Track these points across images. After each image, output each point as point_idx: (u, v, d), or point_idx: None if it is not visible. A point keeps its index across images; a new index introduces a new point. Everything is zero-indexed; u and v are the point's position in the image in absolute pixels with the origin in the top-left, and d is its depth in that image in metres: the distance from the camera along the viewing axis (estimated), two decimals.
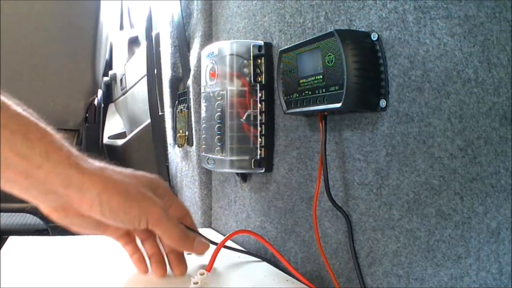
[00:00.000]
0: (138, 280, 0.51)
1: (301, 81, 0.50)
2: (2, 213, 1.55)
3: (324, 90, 0.46)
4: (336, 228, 0.52)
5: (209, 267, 0.52)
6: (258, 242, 0.68)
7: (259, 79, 0.64)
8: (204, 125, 0.71)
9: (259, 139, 0.64)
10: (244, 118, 0.64)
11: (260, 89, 0.64)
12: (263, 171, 0.65)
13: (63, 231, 0.52)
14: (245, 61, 0.64)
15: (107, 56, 1.98)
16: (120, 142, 1.68)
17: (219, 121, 0.65)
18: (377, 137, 0.45)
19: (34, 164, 0.41)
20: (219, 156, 0.66)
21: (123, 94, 1.76)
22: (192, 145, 0.91)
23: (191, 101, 0.89)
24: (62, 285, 0.48)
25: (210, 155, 0.68)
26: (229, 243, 0.61)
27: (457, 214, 0.37)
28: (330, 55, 0.45)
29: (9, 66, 1.43)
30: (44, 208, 0.45)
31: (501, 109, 0.33)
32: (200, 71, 0.76)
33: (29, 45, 1.47)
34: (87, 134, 1.63)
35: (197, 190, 0.90)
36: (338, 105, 0.44)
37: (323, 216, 0.54)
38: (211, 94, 0.67)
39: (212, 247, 0.55)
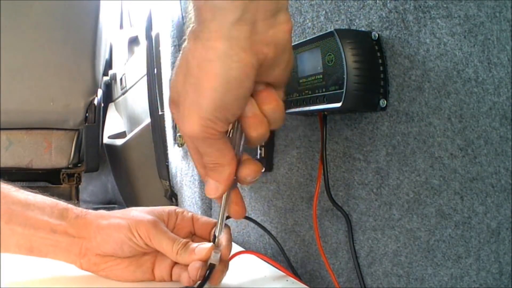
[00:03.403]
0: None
1: (301, 81, 0.50)
2: None
3: (324, 90, 0.46)
4: (336, 228, 0.52)
5: None
6: (258, 241, 0.68)
7: None
8: None
9: None
10: None
11: None
12: (263, 170, 0.65)
13: None
14: None
15: (107, 56, 1.98)
16: (120, 142, 1.68)
17: None
18: (377, 137, 0.45)
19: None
20: None
21: (123, 93, 1.76)
22: None
23: None
24: (61, 285, 0.48)
25: None
26: None
27: (457, 214, 0.37)
28: (330, 54, 0.45)
29: (9, 66, 1.43)
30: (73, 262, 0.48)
31: (501, 109, 0.33)
32: None
33: (29, 44, 1.46)
34: (87, 134, 1.63)
35: (197, 190, 0.90)
36: (338, 104, 0.44)
37: (323, 215, 0.54)
38: None
39: None
